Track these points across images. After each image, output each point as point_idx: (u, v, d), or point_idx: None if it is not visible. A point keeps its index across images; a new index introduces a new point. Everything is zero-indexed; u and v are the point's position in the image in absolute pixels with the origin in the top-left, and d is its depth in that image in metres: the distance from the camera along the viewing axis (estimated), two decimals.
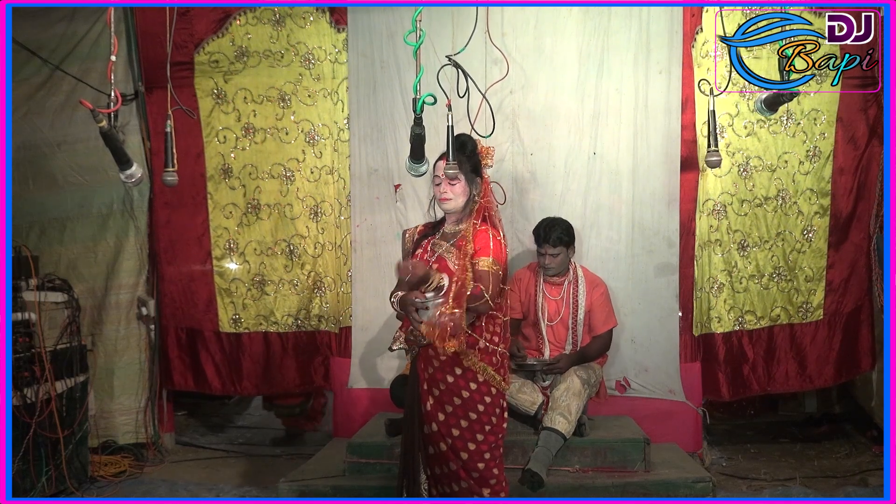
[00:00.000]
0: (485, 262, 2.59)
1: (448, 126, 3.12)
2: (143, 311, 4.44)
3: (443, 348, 2.51)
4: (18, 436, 3.49)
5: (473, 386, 2.60)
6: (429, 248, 2.75)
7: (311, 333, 4.48)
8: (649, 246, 4.15)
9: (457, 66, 3.16)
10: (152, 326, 4.50)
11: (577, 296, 3.81)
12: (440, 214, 2.87)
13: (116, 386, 4.42)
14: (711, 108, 3.35)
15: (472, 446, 2.59)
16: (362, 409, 4.20)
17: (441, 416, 2.61)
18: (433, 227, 2.85)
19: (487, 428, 2.61)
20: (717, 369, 4.22)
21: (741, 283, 4.19)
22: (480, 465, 2.60)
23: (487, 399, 2.61)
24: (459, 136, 2.75)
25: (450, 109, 3.09)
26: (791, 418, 5.05)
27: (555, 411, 3.52)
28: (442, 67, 3.19)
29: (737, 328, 4.21)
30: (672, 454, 3.79)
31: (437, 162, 2.82)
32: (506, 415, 2.71)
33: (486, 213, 2.73)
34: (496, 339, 2.66)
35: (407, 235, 2.97)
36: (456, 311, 2.50)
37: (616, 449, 3.57)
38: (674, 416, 4.07)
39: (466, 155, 2.73)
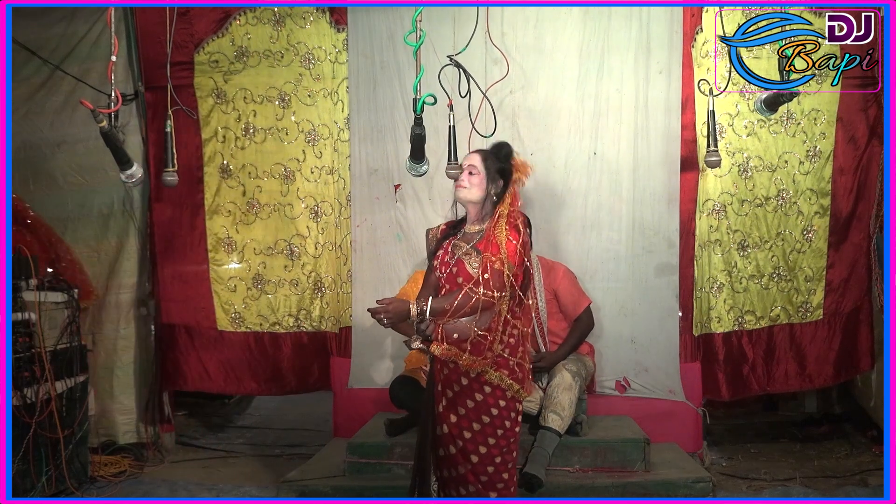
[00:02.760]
0: (488, 258, 2.58)
1: (450, 126, 3.14)
2: (143, 310, 4.44)
3: (463, 364, 2.56)
4: (18, 436, 3.48)
5: (487, 389, 2.58)
6: (449, 250, 2.72)
7: (311, 334, 4.48)
8: (649, 246, 4.15)
9: (458, 66, 3.16)
10: (152, 326, 4.50)
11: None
12: (461, 213, 2.85)
13: (116, 386, 4.42)
14: (711, 109, 3.36)
15: (483, 449, 2.58)
16: (362, 409, 4.19)
17: (453, 418, 2.60)
18: (454, 227, 2.82)
19: (500, 432, 2.59)
20: (716, 369, 4.22)
21: (741, 283, 4.19)
22: (490, 469, 2.59)
23: (502, 402, 2.59)
24: (500, 142, 2.76)
25: (451, 109, 3.10)
26: (791, 418, 5.05)
27: (547, 409, 3.53)
28: (443, 67, 3.20)
29: (736, 328, 4.20)
30: (672, 454, 3.79)
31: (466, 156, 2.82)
32: (520, 419, 2.67)
33: (509, 220, 2.66)
34: (507, 350, 2.61)
35: (430, 235, 2.97)
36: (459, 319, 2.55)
37: (616, 449, 3.57)
38: (674, 416, 4.07)
39: (498, 157, 2.71)
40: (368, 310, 2.61)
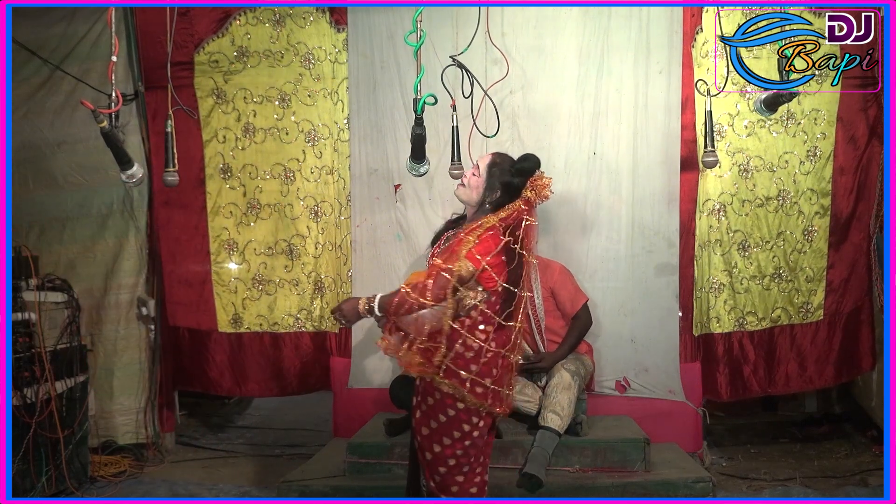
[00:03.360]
0: (438, 266, 2.48)
1: (453, 126, 3.13)
2: (144, 311, 4.43)
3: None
4: (18, 436, 3.48)
5: (446, 389, 2.52)
6: (442, 244, 2.71)
7: (311, 334, 4.48)
8: (649, 246, 4.15)
9: (461, 66, 3.16)
10: (152, 326, 4.50)
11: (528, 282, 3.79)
12: None
13: (116, 386, 4.41)
14: (708, 109, 3.37)
15: (437, 448, 2.55)
16: (362, 409, 4.19)
17: (418, 414, 2.60)
18: (455, 222, 2.79)
19: (456, 434, 2.53)
20: (716, 370, 4.22)
21: (742, 283, 4.19)
22: (442, 470, 2.56)
23: (460, 405, 2.51)
24: (527, 154, 2.64)
25: (454, 110, 3.09)
26: (791, 418, 5.05)
27: (546, 409, 3.52)
28: (446, 68, 3.20)
29: (737, 329, 4.20)
30: (672, 454, 3.79)
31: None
32: (482, 424, 2.56)
33: (487, 233, 2.53)
34: (457, 363, 2.49)
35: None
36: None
37: (616, 449, 3.57)
38: (674, 416, 4.07)
39: (510, 169, 2.60)
40: (331, 311, 2.61)
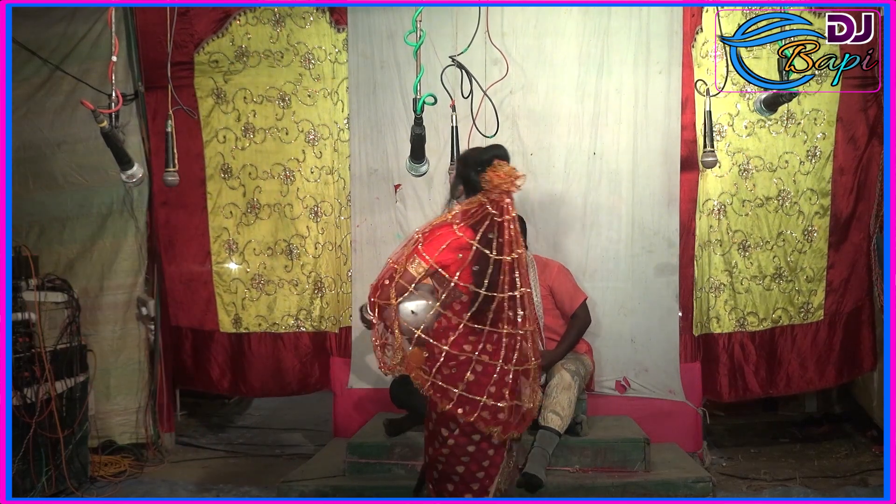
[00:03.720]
0: (390, 265, 2.44)
1: (452, 127, 3.13)
2: (143, 311, 4.43)
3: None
4: (18, 436, 3.48)
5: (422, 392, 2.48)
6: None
7: (311, 334, 4.48)
8: (649, 246, 4.15)
9: (461, 66, 3.17)
10: (152, 326, 4.50)
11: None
12: None
13: (113, 386, 4.41)
14: (707, 109, 3.38)
15: (430, 451, 2.54)
16: (362, 409, 4.20)
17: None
18: None
19: (438, 440, 2.48)
20: (716, 370, 4.22)
21: (742, 283, 4.18)
22: (434, 475, 2.54)
23: (438, 409, 2.44)
24: (492, 145, 2.56)
25: (454, 110, 3.10)
26: (791, 418, 5.05)
27: (547, 409, 3.51)
28: (446, 68, 3.20)
29: (738, 329, 4.20)
30: (672, 454, 3.79)
31: None
32: (457, 433, 2.45)
33: (437, 232, 2.44)
34: (428, 364, 2.43)
35: None
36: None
37: (616, 449, 3.57)
38: (674, 416, 4.07)
39: (469, 163, 2.52)
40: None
